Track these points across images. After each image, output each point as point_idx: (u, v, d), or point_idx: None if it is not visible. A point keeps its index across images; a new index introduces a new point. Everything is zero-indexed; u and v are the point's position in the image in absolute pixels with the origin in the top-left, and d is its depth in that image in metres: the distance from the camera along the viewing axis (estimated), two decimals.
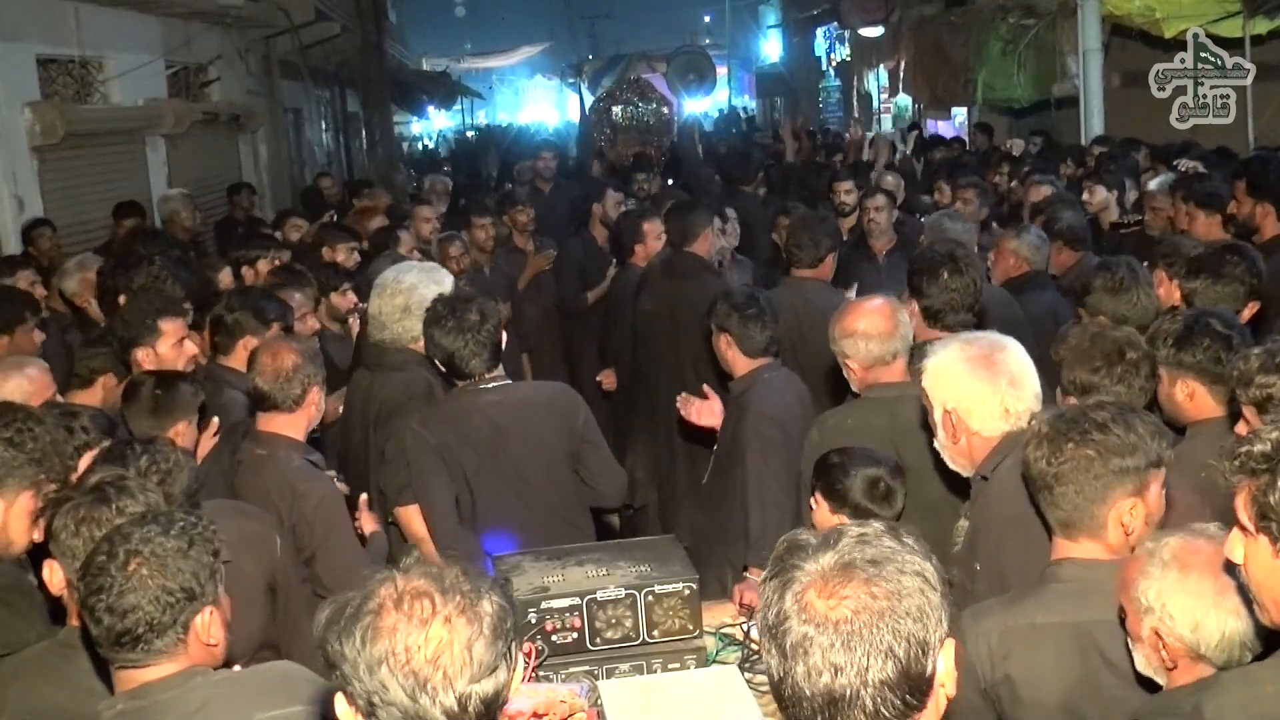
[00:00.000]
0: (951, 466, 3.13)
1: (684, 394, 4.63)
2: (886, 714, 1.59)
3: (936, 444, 3.13)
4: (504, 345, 4.09)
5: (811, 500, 3.52)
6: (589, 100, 20.94)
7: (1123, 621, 2.39)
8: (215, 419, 4.02)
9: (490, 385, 4.03)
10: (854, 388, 3.88)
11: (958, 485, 3.56)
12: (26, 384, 3.90)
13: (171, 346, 4.38)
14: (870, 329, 3.74)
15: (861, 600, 1.59)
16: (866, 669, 1.58)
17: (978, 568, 2.95)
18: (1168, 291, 4.62)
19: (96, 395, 4.30)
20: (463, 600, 1.74)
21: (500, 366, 4.08)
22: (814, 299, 5.35)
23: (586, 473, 4.13)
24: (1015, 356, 3.01)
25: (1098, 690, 2.52)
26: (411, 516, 4.16)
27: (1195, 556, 2.26)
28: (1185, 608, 2.24)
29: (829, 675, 1.58)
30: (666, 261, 6.32)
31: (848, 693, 1.58)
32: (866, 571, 1.61)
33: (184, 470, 3.06)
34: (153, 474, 2.95)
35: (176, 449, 3.13)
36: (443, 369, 4.10)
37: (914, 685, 1.60)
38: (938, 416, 3.06)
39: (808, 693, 1.60)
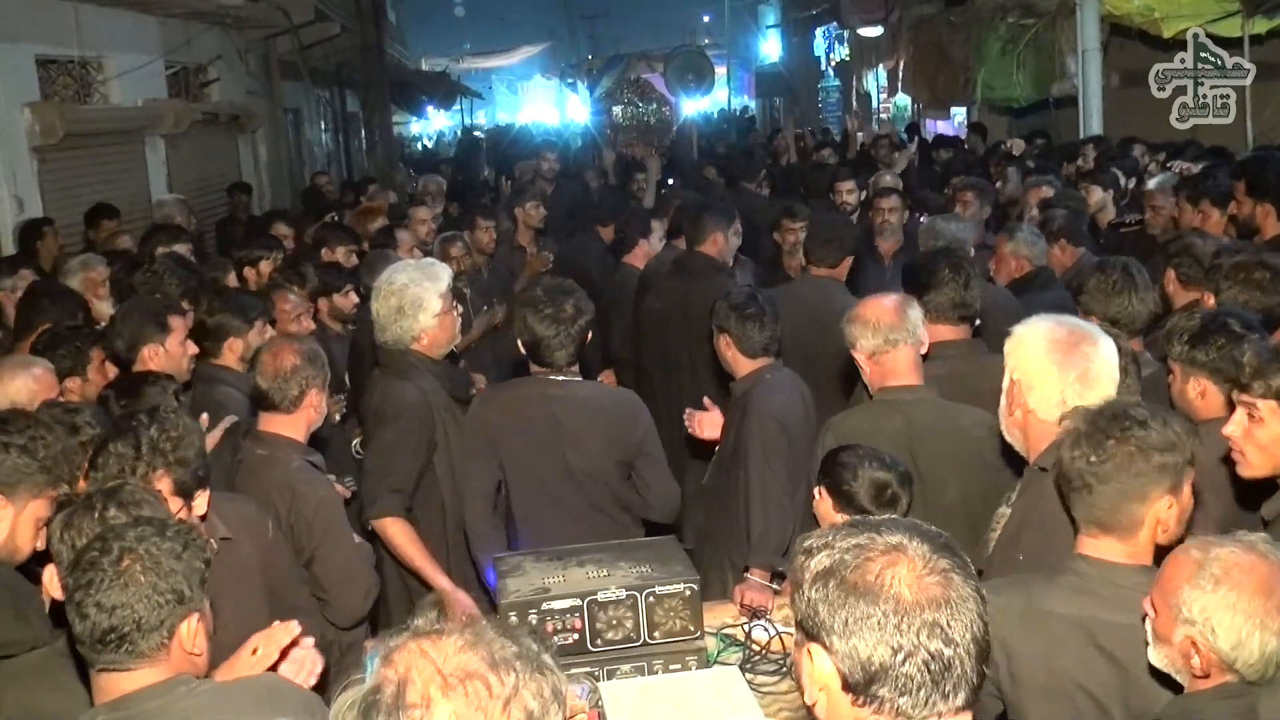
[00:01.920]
0: (1005, 438, 3.13)
1: (688, 409, 4.62)
2: (980, 674, 1.64)
3: (1000, 410, 3.14)
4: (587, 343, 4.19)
5: (816, 492, 3.50)
6: (589, 100, 20.97)
7: (1143, 618, 2.39)
8: (205, 415, 4.03)
9: (560, 378, 4.10)
10: (868, 387, 3.87)
11: (974, 490, 3.57)
12: (32, 383, 3.91)
13: (178, 343, 4.45)
14: (871, 316, 3.76)
15: (948, 566, 1.64)
16: (969, 633, 1.62)
17: (1021, 558, 2.95)
18: (1176, 291, 4.61)
19: (73, 397, 4.31)
20: (518, 679, 1.53)
21: (576, 364, 4.15)
22: (832, 296, 5.33)
23: (640, 484, 4.16)
24: (1101, 354, 3.00)
25: (1099, 683, 2.53)
26: (386, 527, 4.13)
27: (1249, 576, 2.24)
28: (1231, 626, 2.23)
29: (952, 649, 1.61)
30: (678, 261, 6.33)
31: (969, 656, 1.62)
32: (931, 545, 1.66)
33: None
34: (164, 442, 2.96)
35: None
36: (523, 351, 4.15)
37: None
38: (1005, 383, 3.07)
39: (925, 673, 1.61)
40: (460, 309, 4.52)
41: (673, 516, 4.36)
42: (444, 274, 4.40)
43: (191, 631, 2.33)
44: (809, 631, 1.67)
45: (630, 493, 4.18)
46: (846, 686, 1.63)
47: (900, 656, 1.58)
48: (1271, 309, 4.11)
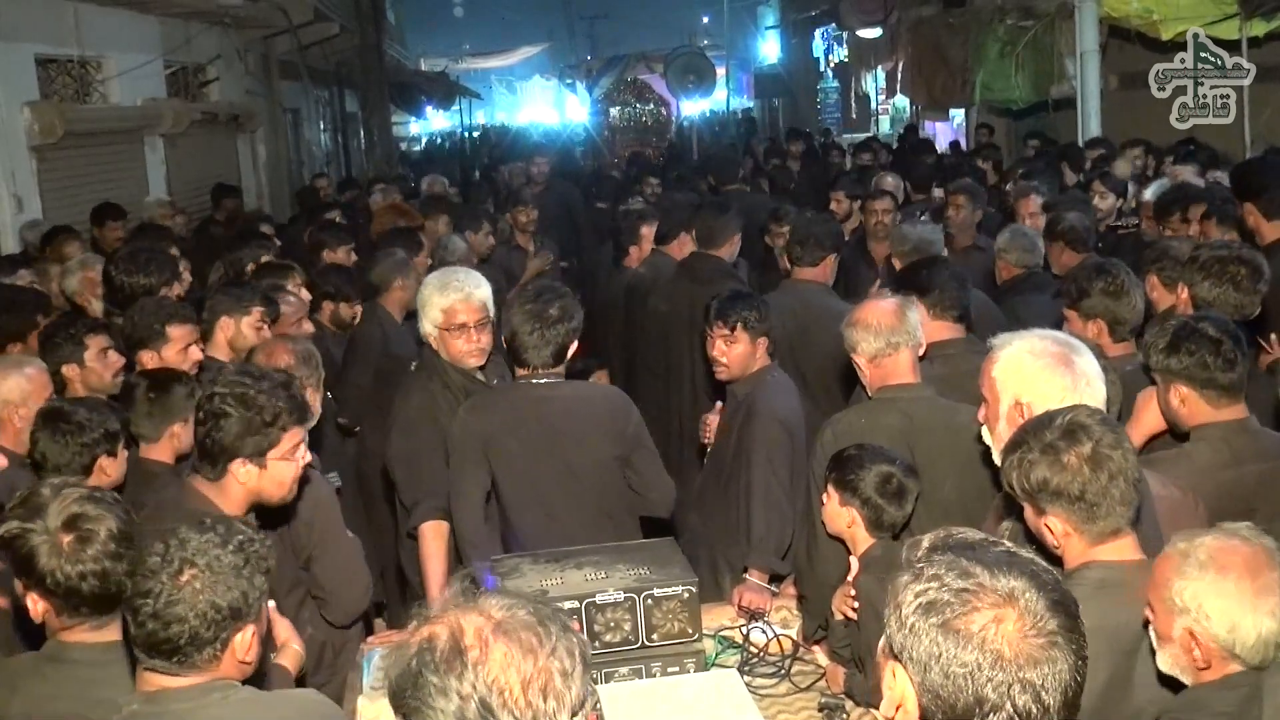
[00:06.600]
0: (999, 462, 3.10)
1: (704, 416, 4.61)
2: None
3: (989, 436, 3.02)
4: (570, 352, 4.08)
5: (823, 496, 3.47)
6: (588, 100, 20.95)
7: (1146, 623, 2.39)
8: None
9: (544, 380, 4.02)
10: (866, 388, 3.86)
11: (970, 487, 3.56)
12: (25, 383, 3.91)
13: (177, 352, 4.41)
14: (872, 320, 3.74)
15: (1056, 628, 1.65)
16: (1061, 691, 1.64)
17: None
18: (1160, 296, 4.61)
19: (77, 390, 4.31)
20: (556, 635, 1.66)
21: (560, 367, 4.06)
22: (814, 301, 5.32)
23: (638, 479, 4.10)
24: (1089, 361, 2.98)
25: (1134, 689, 2.51)
26: (421, 532, 4.17)
27: (1232, 558, 2.28)
28: (1222, 609, 2.26)
29: (1040, 706, 1.62)
30: (685, 263, 6.22)
31: (1054, 712, 1.63)
32: (1046, 602, 1.67)
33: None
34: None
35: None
36: (505, 347, 4.10)
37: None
38: (1003, 408, 2.94)
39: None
40: (479, 338, 4.28)
41: (671, 510, 4.33)
42: (454, 293, 4.23)
43: (245, 643, 2.32)
44: (898, 652, 1.69)
45: (631, 494, 4.14)
46: (925, 716, 1.65)
47: (987, 707, 1.60)
48: (1244, 305, 4.12)
